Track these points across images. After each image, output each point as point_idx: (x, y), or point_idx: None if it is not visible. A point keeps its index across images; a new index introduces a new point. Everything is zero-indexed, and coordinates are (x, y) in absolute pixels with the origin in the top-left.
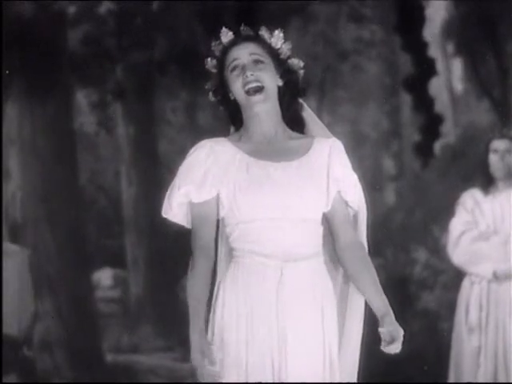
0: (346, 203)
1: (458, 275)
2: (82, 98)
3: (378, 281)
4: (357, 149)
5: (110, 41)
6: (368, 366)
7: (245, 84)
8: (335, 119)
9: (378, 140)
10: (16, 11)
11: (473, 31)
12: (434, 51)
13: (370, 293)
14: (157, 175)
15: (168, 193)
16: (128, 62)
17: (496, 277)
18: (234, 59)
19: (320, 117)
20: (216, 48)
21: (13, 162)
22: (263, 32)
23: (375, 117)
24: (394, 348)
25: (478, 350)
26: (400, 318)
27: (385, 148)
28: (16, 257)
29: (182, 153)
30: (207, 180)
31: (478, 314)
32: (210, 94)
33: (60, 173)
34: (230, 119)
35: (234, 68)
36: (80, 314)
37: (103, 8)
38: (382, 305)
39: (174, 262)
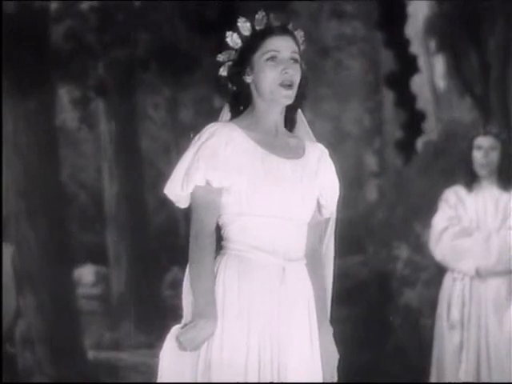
0: (320, 209)
1: (440, 272)
2: (64, 94)
3: (324, 298)
4: (339, 145)
5: (92, 37)
6: (349, 363)
7: (281, 79)
8: (317, 116)
9: (360, 137)
10: None
11: (455, 28)
12: (416, 48)
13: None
14: (139, 172)
15: (182, 173)
16: (110, 59)
17: (478, 273)
18: (275, 50)
19: (302, 114)
20: (243, 26)
21: None
22: (291, 28)
23: (357, 113)
24: (329, 375)
25: (459, 346)
26: (382, 314)
27: (367, 145)
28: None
29: (163, 149)
30: (228, 166)
31: (461, 310)
32: (223, 68)
33: (42, 169)
34: (234, 100)
35: (272, 58)
36: (62, 311)
37: (85, 4)
38: (321, 316)
39: (155, 259)
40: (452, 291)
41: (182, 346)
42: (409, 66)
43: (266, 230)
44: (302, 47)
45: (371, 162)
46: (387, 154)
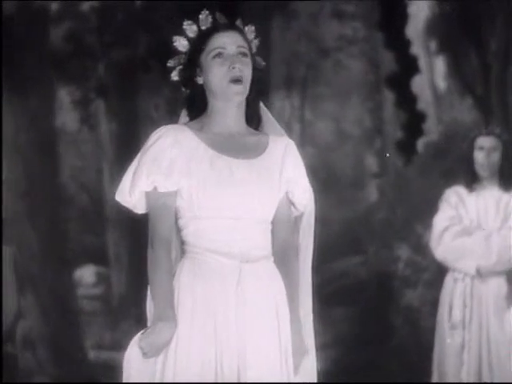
0: (292, 204)
1: (441, 272)
2: (65, 95)
3: (295, 291)
4: (339, 146)
5: (93, 38)
6: (351, 363)
7: (230, 74)
8: (318, 116)
9: (361, 137)
10: None
11: (455, 29)
12: (416, 49)
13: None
14: None
15: (129, 179)
16: (110, 59)
17: (479, 273)
18: (220, 47)
19: (302, 114)
20: (189, 28)
21: None
22: (239, 24)
23: (358, 114)
24: (296, 362)
25: (461, 347)
26: (383, 314)
27: (367, 145)
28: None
29: None
30: (174, 170)
31: (462, 311)
32: (174, 72)
33: (42, 170)
34: (188, 103)
35: (219, 56)
36: (62, 312)
37: (86, 5)
38: (291, 310)
39: None
40: (453, 292)
41: (143, 351)
42: (409, 66)
43: (220, 232)
44: (255, 42)
45: (372, 162)
46: (388, 154)
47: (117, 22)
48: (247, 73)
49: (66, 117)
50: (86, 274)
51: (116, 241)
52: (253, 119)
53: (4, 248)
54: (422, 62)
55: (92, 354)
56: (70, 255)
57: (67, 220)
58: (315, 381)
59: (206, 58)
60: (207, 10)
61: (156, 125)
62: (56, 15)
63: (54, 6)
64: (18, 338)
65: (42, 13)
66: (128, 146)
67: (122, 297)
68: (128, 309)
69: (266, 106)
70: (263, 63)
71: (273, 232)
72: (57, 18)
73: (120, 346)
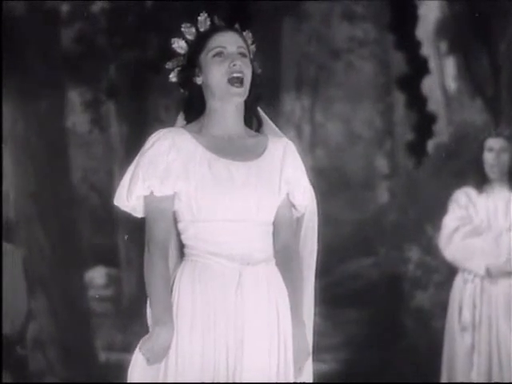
0: (293, 206)
1: (452, 274)
2: (75, 97)
3: (299, 293)
4: (350, 147)
5: (103, 39)
6: (361, 364)
7: (230, 72)
8: (328, 118)
9: (371, 139)
10: (8, 9)
11: (466, 30)
12: (426, 50)
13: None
14: None
15: (127, 183)
16: (121, 61)
17: (489, 273)
18: (220, 46)
19: (313, 116)
20: (188, 30)
21: (5, 161)
22: (237, 27)
23: (368, 115)
24: (297, 365)
25: (471, 348)
26: (393, 316)
27: (378, 147)
28: (10, 256)
29: None
30: (171, 174)
31: (472, 312)
32: (173, 74)
33: (52, 171)
34: (186, 105)
35: (219, 55)
36: (73, 313)
37: (96, 7)
38: (294, 313)
39: None
40: (463, 292)
41: (145, 357)
42: (420, 67)
43: (220, 235)
44: (253, 48)
45: (382, 164)
46: (398, 156)
47: (127, 24)
48: (247, 73)
49: (77, 118)
50: (97, 276)
51: (127, 242)
52: (252, 121)
53: (14, 249)
54: (433, 64)
55: (103, 356)
56: (80, 257)
57: (78, 221)
58: (311, 381)
59: (206, 57)
60: (212, 11)
61: (166, 126)
62: (66, 17)
63: (65, 8)
64: (28, 339)
65: (52, 14)
66: (138, 148)
67: (133, 298)
68: (139, 310)
69: (277, 107)
70: (259, 70)
71: (274, 234)
72: (67, 20)
73: (131, 347)
